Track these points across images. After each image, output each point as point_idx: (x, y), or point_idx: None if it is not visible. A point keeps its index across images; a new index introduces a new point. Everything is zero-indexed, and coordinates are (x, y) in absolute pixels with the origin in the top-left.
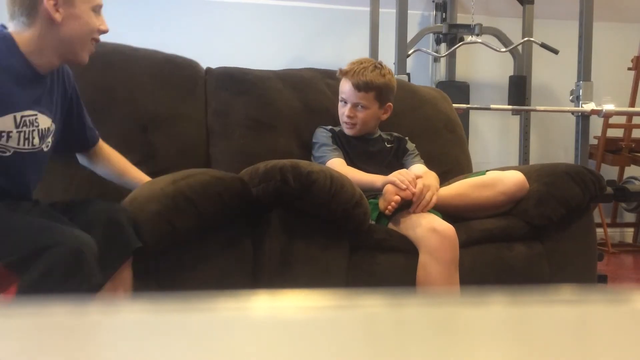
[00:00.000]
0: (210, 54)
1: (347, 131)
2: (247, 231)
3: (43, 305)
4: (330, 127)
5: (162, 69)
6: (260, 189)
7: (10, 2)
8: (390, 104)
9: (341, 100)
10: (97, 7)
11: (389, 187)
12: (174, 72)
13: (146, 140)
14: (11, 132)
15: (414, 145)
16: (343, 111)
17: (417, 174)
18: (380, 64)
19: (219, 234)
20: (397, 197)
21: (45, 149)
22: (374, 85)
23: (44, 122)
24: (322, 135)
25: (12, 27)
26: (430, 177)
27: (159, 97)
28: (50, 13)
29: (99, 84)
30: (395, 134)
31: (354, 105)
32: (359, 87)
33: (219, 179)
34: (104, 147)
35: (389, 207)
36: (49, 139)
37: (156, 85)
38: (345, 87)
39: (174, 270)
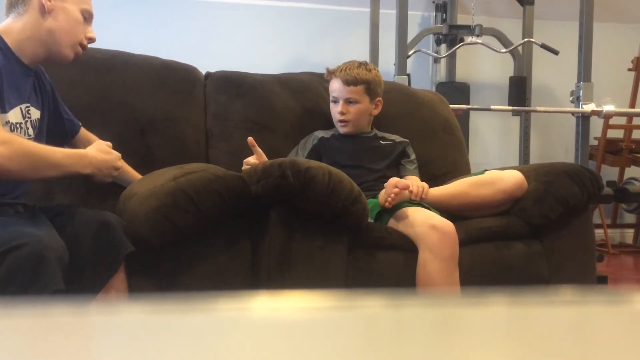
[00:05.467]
0: (210, 55)
1: (342, 129)
2: (247, 229)
3: (43, 305)
4: (322, 134)
5: (159, 74)
6: (259, 186)
7: None
8: (379, 98)
9: (333, 100)
10: (87, 12)
11: (390, 181)
12: (171, 76)
13: (144, 144)
14: (21, 123)
15: (414, 156)
16: (335, 110)
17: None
18: (365, 62)
19: (218, 232)
20: (396, 189)
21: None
22: (363, 79)
23: (35, 113)
24: (303, 142)
25: (5, 21)
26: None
27: (156, 101)
28: (43, 0)
29: (96, 88)
30: (399, 138)
31: (346, 101)
32: (348, 82)
33: (219, 177)
34: (91, 138)
35: (389, 199)
36: (37, 131)
37: (153, 90)
38: (335, 85)
39: (173, 267)
